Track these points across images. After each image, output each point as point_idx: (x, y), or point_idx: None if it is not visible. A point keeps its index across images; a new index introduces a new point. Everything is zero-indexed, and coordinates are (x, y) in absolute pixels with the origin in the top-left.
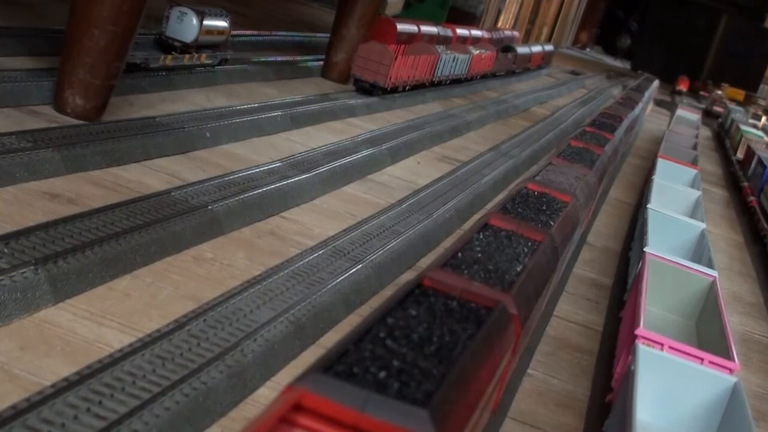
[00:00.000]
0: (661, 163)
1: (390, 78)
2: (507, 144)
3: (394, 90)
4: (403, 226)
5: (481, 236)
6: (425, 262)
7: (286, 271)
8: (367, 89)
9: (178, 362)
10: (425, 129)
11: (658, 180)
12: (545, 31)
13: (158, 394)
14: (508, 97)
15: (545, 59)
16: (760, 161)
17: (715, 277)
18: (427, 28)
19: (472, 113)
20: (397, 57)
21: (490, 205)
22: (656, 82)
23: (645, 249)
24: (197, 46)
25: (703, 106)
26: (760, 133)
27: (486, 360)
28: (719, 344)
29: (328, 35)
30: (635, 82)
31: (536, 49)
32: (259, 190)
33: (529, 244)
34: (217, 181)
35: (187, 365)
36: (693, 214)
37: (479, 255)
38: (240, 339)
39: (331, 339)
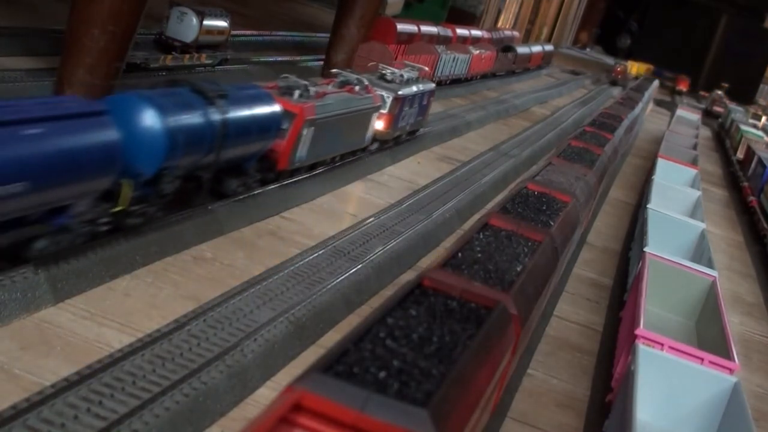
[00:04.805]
0: (661, 163)
1: None
2: (507, 144)
3: None
4: (403, 226)
5: (481, 236)
6: (425, 262)
7: (286, 271)
8: None
9: (178, 362)
10: (425, 128)
11: (658, 180)
12: (545, 31)
13: (158, 394)
14: (508, 97)
15: (545, 59)
16: (760, 161)
17: (715, 277)
18: (427, 28)
19: (472, 113)
20: (397, 57)
21: (490, 205)
22: (656, 82)
23: (645, 249)
24: (197, 46)
25: (703, 106)
26: (760, 133)
27: (486, 360)
28: (719, 344)
29: (328, 35)
30: (635, 82)
31: (536, 49)
32: (259, 190)
33: (529, 244)
34: None
35: (187, 365)
36: (693, 214)
37: (479, 255)
38: (240, 339)
39: (331, 339)
